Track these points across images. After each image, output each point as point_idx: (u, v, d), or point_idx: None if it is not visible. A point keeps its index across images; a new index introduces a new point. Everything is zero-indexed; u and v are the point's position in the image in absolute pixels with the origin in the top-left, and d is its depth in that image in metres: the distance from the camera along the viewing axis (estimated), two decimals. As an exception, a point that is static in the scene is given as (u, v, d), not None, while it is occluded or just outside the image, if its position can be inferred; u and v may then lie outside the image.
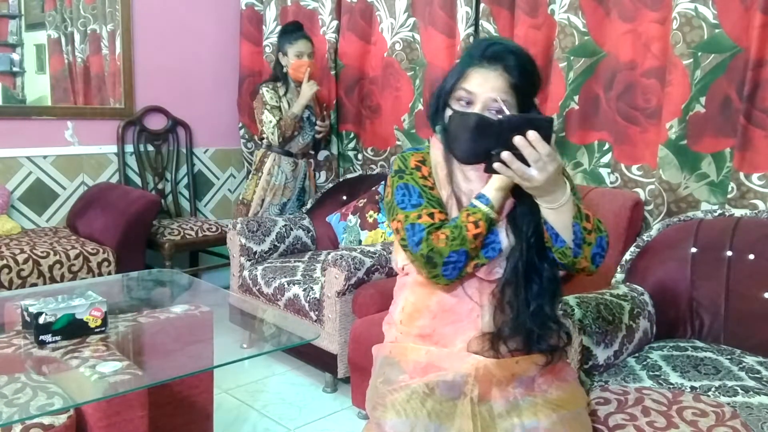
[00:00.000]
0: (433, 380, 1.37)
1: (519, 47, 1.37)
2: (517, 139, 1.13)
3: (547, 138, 1.13)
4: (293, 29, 3.27)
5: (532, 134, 1.12)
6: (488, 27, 2.83)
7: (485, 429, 1.33)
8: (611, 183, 2.60)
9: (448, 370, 1.37)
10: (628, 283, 2.13)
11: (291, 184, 3.35)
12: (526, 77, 1.33)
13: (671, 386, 1.71)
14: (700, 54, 2.26)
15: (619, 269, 2.23)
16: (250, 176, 3.38)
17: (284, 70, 3.26)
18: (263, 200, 3.30)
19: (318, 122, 3.35)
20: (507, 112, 1.27)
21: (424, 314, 1.42)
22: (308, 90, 3.16)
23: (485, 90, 1.32)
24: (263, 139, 3.34)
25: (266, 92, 3.20)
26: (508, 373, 1.36)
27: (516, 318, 1.35)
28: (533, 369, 1.37)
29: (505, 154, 1.15)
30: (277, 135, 3.17)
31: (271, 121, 3.17)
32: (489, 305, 1.38)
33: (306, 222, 3.28)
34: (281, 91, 3.24)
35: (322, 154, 3.66)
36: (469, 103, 1.33)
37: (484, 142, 1.20)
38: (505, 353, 1.37)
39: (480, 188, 1.35)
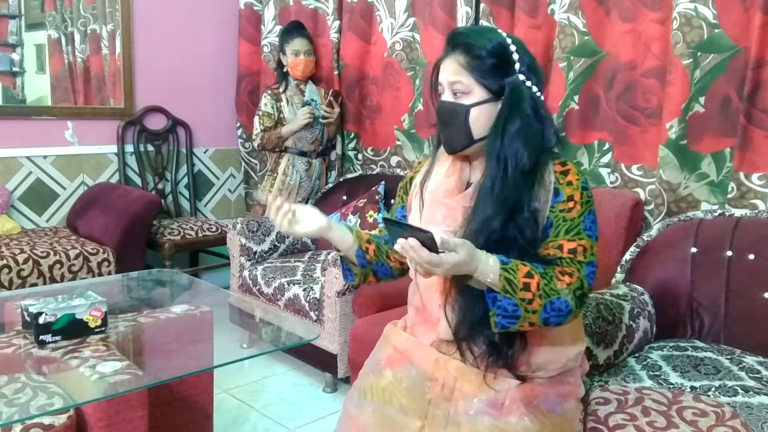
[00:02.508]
0: (400, 372, 1.43)
1: (471, 28, 1.38)
2: (398, 245, 1.19)
3: (430, 248, 1.18)
4: (292, 28, 3.32)
5: (412, 241, 1.18)
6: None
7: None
8: (611, 183, 2.60)
9: (416, 362, 1.42)
10: (628, 283, 2.13)
11: (306, 183, 3.41)
12: (472, 53, 1.33)
13: (671, 386, 1.71)
14: (699, 54, 2.26)
15: (619, 269, 2.23)
16: (266, 177, 3.44)
17: (284, 69, 3.33)
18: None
19: (324, 108, 3.35)
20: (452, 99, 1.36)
21: (411, 308, 1.52)
22: (302, 118, 3.26)
23: (445, 76, 1.37)
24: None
25: (264, 97, 3.32)
26: (473, 383, 1.34)
27: (466, 324, 1.33)
28: (504, 387, 1.33)
29: (400, 242, 1.20)
30: (258, 142, 3.30)
31: (256, 128, 3.29)
32: (447, 308, 1.38)
33: (306, 222, 3.28)
34: (281, 89, 3.31)
35: (334, 155, 3.66)
36: (440, 94, 1.40)
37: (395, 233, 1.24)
38: (470, 359, 1.36)
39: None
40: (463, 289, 1.31)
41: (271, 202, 1.41)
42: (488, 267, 1.23)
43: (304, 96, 3.36)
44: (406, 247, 1.18)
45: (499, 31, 1.39)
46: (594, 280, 1.33)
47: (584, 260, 1.31)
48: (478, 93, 1.34)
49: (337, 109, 3.41)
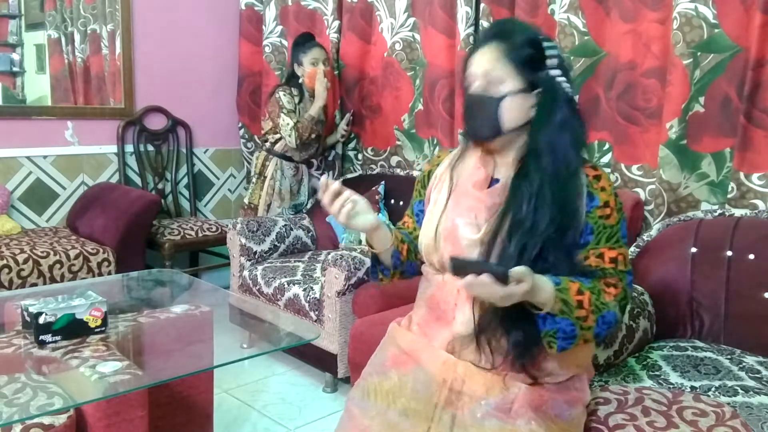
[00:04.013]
0: (406, 374, 1.40)
1: (510, 19, 1.38)
2: (465, 282, 1.15)
3: (502, 280, 1.14)
4: (305, 40, 3.27)
5: (483, 278, 1.14)
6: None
7: None
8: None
9: (422, 364, 1.39)
10: (628, 283, 2.13)
11: (296, 187, 3.38)
12: (511, 41, 1.32)
13: (671, 386, 1.71)
14: (699, 54, 2.26)
15: (619, 269, 2.23)
16: (254, 181, 3.39)
17: (300, 80, 3.24)
18: (269, 205, 3.32)
19: (343, 126, 3.41)
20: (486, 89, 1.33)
21: (421, 306, 1.48)
22: (322, 89, 3.15)
23: (480, 65, 1.35)
24: (266, 141, 3.34)
25: (283, 96, 3.18)
26: (481, 386, 1.32)
27: (493, 318, 1.30)
28: (513, 391, 1.31)
29: (469, 278, 1.16)
30: (295, 137, 3.15)
31: (288, 124, 3.14)
32: (466, 306, 1.36)
33: (306, 222, 3.28)
34: (296, 100, 3.23)
35: (333, 154, 3.66)
36: (468, 86, 1.38)
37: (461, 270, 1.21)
38: (486, 356, 1.34)
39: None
40: None
41: (328, 186, 1.33)
42: (545, 292, 1.21)
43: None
44: (476, 283, 1.14)
45: (532, 26, 1.40)
46: (632, 288, 1.34)
47: (625, 269, 1.33)
48: (512, 83, 1.32)
49: (350, 127, 3.46)
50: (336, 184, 1.33)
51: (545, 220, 1.26)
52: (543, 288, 1.21)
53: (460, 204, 1.40)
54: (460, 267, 1.21)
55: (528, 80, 1.32)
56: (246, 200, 3.44)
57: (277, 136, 3.27)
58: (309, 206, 3.42)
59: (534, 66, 1.32)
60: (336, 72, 3.56)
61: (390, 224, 1.52)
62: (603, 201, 1.32)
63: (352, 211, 1.35)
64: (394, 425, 1.36)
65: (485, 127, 1.35)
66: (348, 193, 1.35)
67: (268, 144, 3.34)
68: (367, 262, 2.57)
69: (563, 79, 1.34)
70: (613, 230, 1.32)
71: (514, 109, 1.33)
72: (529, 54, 1.32)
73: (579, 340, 1.25)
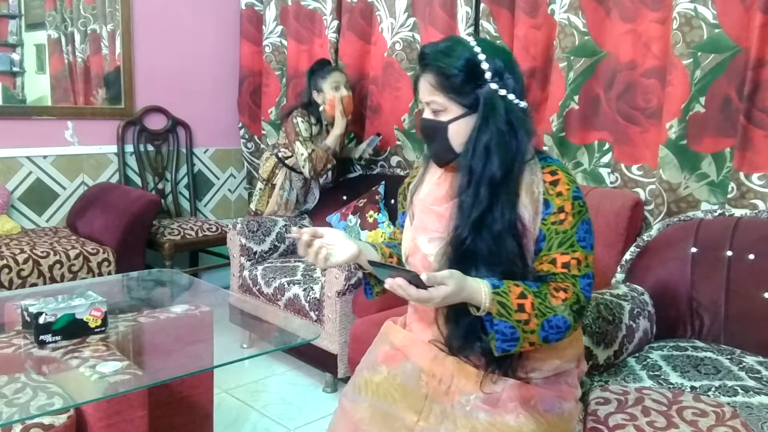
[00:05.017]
0: (395, 368, 1.43)
1: (436, 46, 1.37)
2: (387, 284, 1.22)
3: (418, 285, 1.20)
4: (322, 65, 3.16)
5: (399, 280, 1.21)
6: (488, 27, 2.83)
7: (429, 427, 1.35)
8: (611, 183, 2.60)
9: (412, 358, 1.43)
10: (628, 283, 2.13)
11: (302, 197, 3.36)
12: (442, 73, 1.33)
13: (671, 386, 1.71)
14: (700, 54, 2.26)
15: (619, 269, 2.23)
16: (262, 186, 3.32)
17: (321, 108, 3.12)
18: (274, 213, 3.28)
19: (368, 150, 3.32)
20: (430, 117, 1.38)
21: (410, 305, 1.52)
22: (341, 121, 3.07)
23: (422, 96, 1.39)
24: (279, 151, 3.27)
25: (300, 122, 3.06)
26: (470, 380, 1.35)
27: (458, 336, 1.34)
28: (501, 385, 1.34)
29: (388, 281, 1.23)
30: (309, 168, 3.06)
31: (302, 154, 3.04)
32: (440, 320, 1.40)
33: (306, 222, 3.28)
34: (314, 129, 3.12)
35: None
36: (422, 109, 1.41)
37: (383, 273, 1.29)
38: (464, 360, 1.37)
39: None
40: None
41: (299, 239, 1.37)
42: (480, 293, 1.23)
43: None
44: (394, 285, 1.20)
45: (466, 41, 1.36)
46: (591, 292, 1.33)
47: (579, 273, 1.30)
48: (454, 109, 1.34)
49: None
50: (305, 236, 1.37)
51: (467, 232, 1.31)
52: (475, 290, 1.23)
53: (422, 221, 1.44)
54: (379, 270, 1.29)
55: (468, 103, 1.33)
56: (252, 206, 3.38)
57: (290, 154, 3.20)
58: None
59: (471, 86, 1.32)
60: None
61: (376, 243, 1.55)
62: (557, 207, 1.31)
63: (328, 256, 1.38)
64: (384, 417, 1.39)
65: (441, 152, 1.39)
66: (318, 242, 1.38)
67: (280, 155, 3.27)
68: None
69: (504, 90, 1.32)
70: (567, 235, 1.31)
71: (461, 132, 1.35)
72: (462, 79, 1.32)
73: (522, 342, 1.25)
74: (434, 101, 1.35)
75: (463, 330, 1.33)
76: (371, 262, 1.33)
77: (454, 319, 1.34)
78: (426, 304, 1.24)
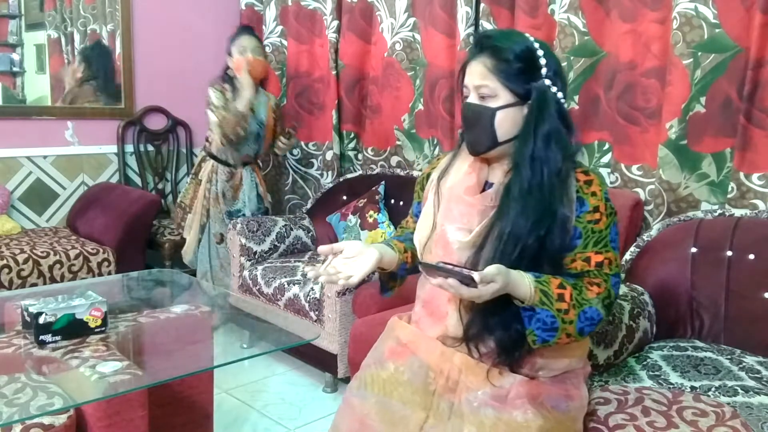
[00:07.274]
0: (402, 364, 1.43)
1: (498, 31, 1.39)
2: (436, 282, 1.23)
3: (469, 283, 1.20)
4: (239, 31, 3.14)
5: (451, 281, 1.21)
6: (488, 27, 2.83)
7: (437, 423, 1.35)
8: (611, 183, 2.60)
9: (419, 354, 1.42)
10: (628, 283, 2.13)
11: (229, 193, 3.16)
12: (500, 57, 1.33)
13: (671, 386, 1.71)
14: (700, 54, 2.26)
15: (619, 269, 2.23)
16: (189, 179, 3.24)
17: (228, 71, 3.09)
18: (208, 210, 3.15)
19: (282, 139, 3.22)
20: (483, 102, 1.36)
21: (418, 302, 1.52)
22: (249, 82, 2.97)
23: (472, 79, 1.37)
24: (207, 142, 3.19)
25: (212, 92, 2.99)
26: (478, 376, 1.35)
27: (478, 322, 1.35)
28: (509, 381, 1.35)
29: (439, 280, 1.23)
30: (219, 135, 2.98)
31: (213, 120, 2.98)
32: (456, 308, 1.39)
33: (306, 222, 3.29)
34: (228, 95, 3.02)
35: (329, 154, 3.63)
36: (466, 96, 1.40)
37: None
38: (476, 356, 1.37)
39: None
40: None
41: (318, 277, 1.35)
42: (523, 285, 1.25)
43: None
44: (445, 285, 1.21)
45: (527, 35, 1.39)
46: (619, 290, 1.37)
47: (610, 272, 1.34)
48: (504, 96, 1.34)
49: (293, 140, 3.29)
50: (322, 278, 1.35)
51: (526, 228, 1.30)
52: (520, 283, 1.25)
53: (450, 210, 1.43)
54: (429, 271, 1.28)
55: (520, 92, 1.34)
56: (179, 199, 3.28)
57: (212, 134, 3.10)
58: (309, 206, 3.41)
59: (526, 77, 1.34)
60: (335, 72, 3.54)
61: (391, 243, 1.54)
62: (593, 206, 1.34)
63: (347, 276, 1.35)
64: (392, 414, 1.39)
65: (482, 139, 1.38)
66: (331, 269, 1.36)
67: (206, 144, 3.18)
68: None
69: (555, 88, 1.35)
70: (602, 235, 1.34)
71: (508, 121, 1.35)
72: (519, 67, 1.33)
73: (561, 333, 1.27)
74: (485, 85, 1.34)
75: (486, 318, 1.33)
76: (421, 263, 1.32)
77: (477, 307, 1.33)
78: (476, 300, 1.25)
